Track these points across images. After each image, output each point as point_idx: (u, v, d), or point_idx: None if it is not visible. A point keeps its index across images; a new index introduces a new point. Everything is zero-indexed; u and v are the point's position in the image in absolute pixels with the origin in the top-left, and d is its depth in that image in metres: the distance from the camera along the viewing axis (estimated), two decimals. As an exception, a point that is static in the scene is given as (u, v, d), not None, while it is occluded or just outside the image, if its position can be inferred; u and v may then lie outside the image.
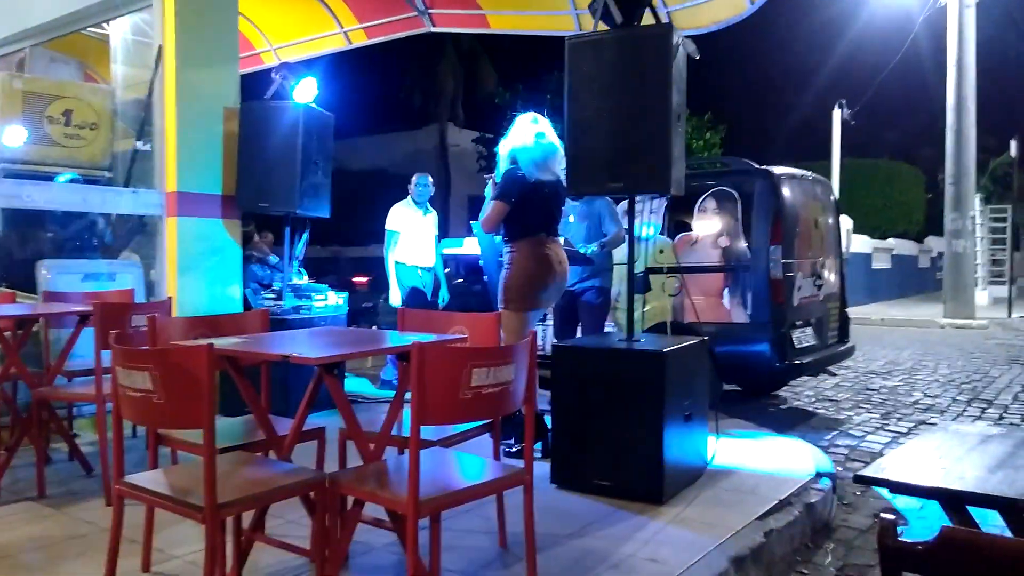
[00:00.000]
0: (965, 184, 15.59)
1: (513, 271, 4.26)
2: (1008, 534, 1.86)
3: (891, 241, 22.87)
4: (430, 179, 7.12)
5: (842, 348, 6.93)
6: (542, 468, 3.87)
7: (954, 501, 1.80)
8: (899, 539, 1.32)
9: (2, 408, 3.98)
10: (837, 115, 19.19)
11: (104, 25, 6.24)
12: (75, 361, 4.16)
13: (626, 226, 4.24)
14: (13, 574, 2.86)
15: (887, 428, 6.06)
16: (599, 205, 5.25)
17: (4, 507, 3.56)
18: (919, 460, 1.99)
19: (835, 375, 8.25)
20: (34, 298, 4.81)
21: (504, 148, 4.33)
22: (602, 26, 3.77)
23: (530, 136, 4.23)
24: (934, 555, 1.30)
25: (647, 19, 3.88)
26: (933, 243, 25.33)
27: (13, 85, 5.07)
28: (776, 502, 3.69)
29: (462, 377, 2.14)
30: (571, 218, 5.29)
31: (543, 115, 4.37)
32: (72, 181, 5.27)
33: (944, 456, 2.03)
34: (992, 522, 1.95)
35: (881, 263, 21.55)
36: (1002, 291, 17.86)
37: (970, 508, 1.87)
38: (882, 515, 1.34)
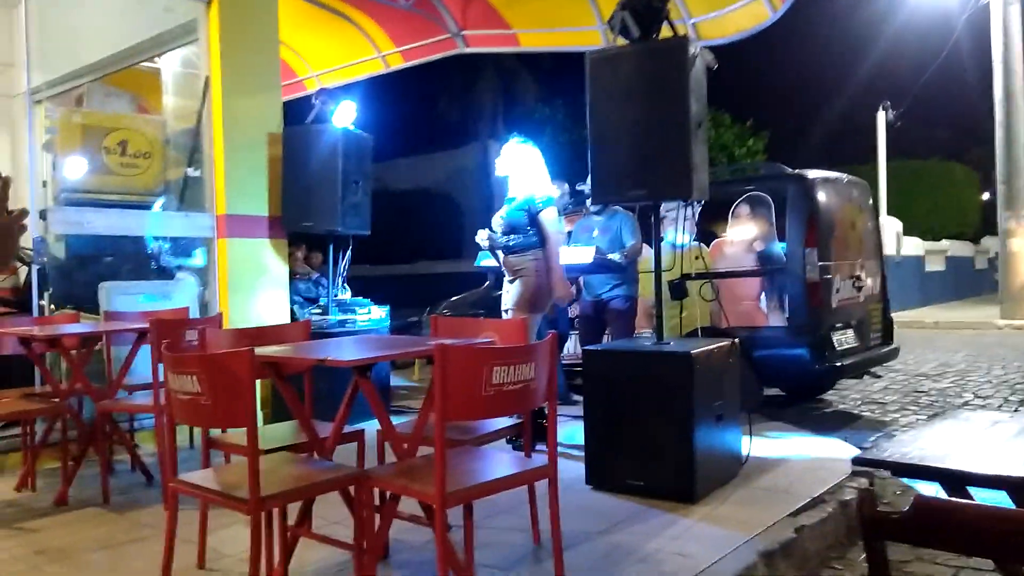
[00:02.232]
0: (1017, 181, 15.22)
1: (536, 279, 4.58)
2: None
3: (944, 243, 22.33)
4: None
5: (885, 350, 6.86)
6: (578, 469, 3.98)
7: (952, 481, 1.86)
8: (878, 509, 1.41)
9: (69, 421, 4.24)
10: (881, 117, 18.89)
11: (156, 59, 6.58)
12: (136, 376, 4.43)
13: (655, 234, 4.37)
14: (79, 571, 3.08)
15: (933, 429, 5.99)
16: (620, 219, 5.40)
17: (71, 512, 3.82)
18: (924, 444, 2.06)
19: (879, 377, 8.14)
20: (96, 318, 5.11)
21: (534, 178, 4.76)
22: (621, 40, 3.91)
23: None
24: (911, 522, 1.38)
25: (666, 32, 3.99)
26: (990, 244, 24.62)
27: (73, 120, 5.41)
28: (809, 499, 3.72)
29: (483, 375, 2.29)
30: (595, 232, 5.45)
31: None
32: (164, 208, 5.63)
33: (949, 440, 2.10)
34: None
35: (935, 265, 21.06)
36: (1063, 290, 17.29)
37: (972, 489, 1.93)
38: (862, 487, 1.43)
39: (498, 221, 4.81)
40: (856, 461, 1.98)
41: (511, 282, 4.72)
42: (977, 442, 2.08)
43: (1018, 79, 15.04)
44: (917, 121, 21.77)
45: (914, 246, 19.70)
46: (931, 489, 4.06)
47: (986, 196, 28.26)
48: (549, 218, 4.60)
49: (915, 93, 18.36)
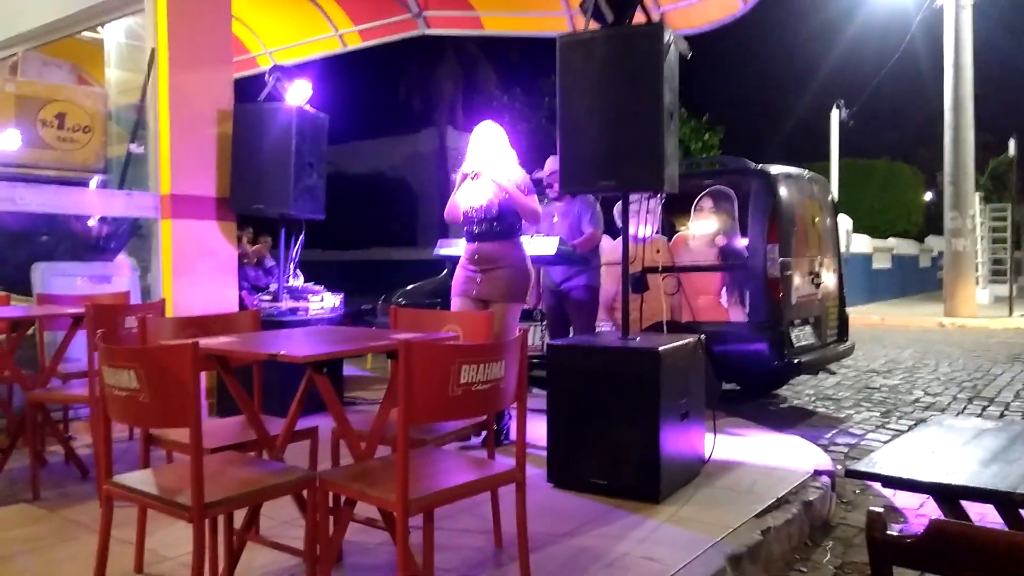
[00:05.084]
0: (964, 183, 15.58)
1: (524, 269, 4.38)
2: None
3: (891, 241, 22.83)
4: None
5: (841, 347, 6.90)
6: (538, 466, 3.86)
7: (947, 495, 1.78)
8: (888, 532, 1.30)
9: (-3, 412, 3.97)
10: (835, 116, 19.17)
11: (98, 29, 6.23)
12: (72, 363, 4.15)
13: (620, 224, 4.24)
14: (3, 575, 2.84)
15: (887, 426, 6.03)
16: (579, 204, 5.26)
17: (-3, 510, 3.55)
18: (913, 454, 1.97)
19: (834, 373, 8.22)
20: (29, 301, 4.80)
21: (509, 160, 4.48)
22: (593, 25, 3.76)
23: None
24: (924, 548, 1.28)
25: (639, 19, 3.86)
26: (933, 243, 25.29)
27: (5, 88, 5.05)
28: (774, 500, 3.66)
29: (451, 374, 2.13)
30: (555, 218, 5.30)
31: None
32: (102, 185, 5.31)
33: (938, 450, 2.01)
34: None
35: (881, 263, 21.51)
36: (1003, 290, 17.82)
37: (964, 502, 1.85)
38: (871, 508, 1.32)
39: (478, 202, 4.35)
40: (849, 474, 1.88)
41: (485, 271, 4.36)
42: (965, 453, 1.99)
43: (968, 84, 15.36)
44: (868, 121, 22.18)
45: (862, 243, 20.07)
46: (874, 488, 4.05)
47: (929, 196, 29.03)
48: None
49: (868, 94, 18.66)
